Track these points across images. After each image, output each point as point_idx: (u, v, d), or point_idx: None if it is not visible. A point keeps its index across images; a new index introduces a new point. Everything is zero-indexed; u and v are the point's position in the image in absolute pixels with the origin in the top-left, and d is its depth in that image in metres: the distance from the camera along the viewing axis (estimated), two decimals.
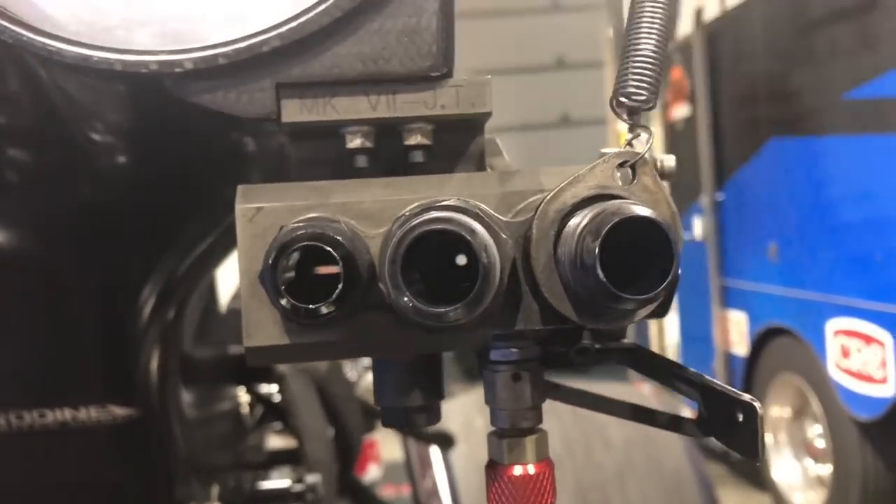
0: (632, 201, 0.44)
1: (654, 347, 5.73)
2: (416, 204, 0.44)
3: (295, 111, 0.46)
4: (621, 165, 0.47)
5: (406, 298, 0.40)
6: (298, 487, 0.74)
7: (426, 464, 1.18)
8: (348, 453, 0.87)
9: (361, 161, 0.48)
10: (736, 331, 4.54)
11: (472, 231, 0.41)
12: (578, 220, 0.44)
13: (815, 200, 3.79)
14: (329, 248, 0.39)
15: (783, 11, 3.96)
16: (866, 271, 3.47)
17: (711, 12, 4.57)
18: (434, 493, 1.17)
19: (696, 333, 4.97)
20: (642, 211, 0.42)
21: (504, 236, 0.44)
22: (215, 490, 0.68)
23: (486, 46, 9.44)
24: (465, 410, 2.16)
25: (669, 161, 0.51)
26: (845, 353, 3.60)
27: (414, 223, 0.41)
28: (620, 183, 0.47)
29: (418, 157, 0.49)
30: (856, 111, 3.47)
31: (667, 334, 5.58)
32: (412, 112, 0.48)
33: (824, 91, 3.69)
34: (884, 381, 3.36)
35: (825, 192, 3.72)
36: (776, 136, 4.06)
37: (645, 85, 0.48)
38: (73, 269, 0.61)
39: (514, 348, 0.51)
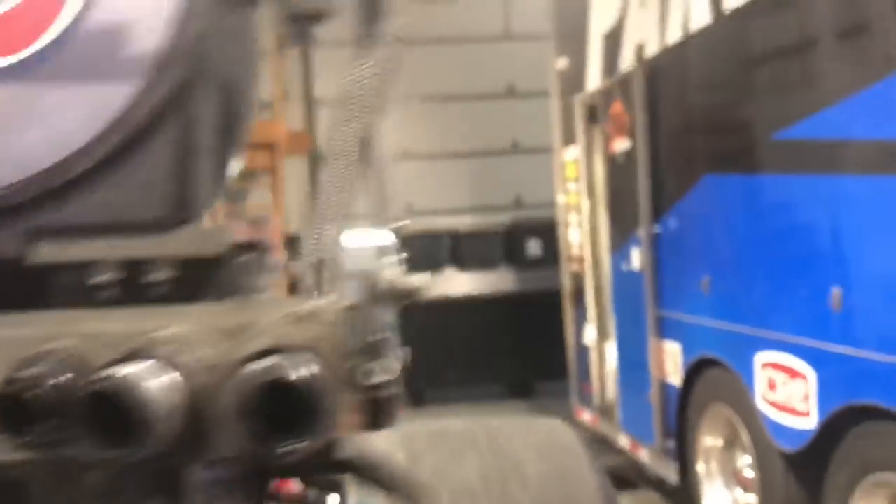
0: (294, 362, 0.49)
1: (594, 376, 5.81)
2: (117, 352, 0.49)
3: (46, 252, 0.50)
4: (303, 317, 0.52)
5: (79, 443, 0.45)
6: None
7: None
8: None
9: (108, 293, 0.52)
10: (671, 361, 4.63)
11: (132, 389, 0.45)
12: (245, 374, 0.48)
13: (746, 236, 3.90)
14: (30, 391, 0.43)
15: (718, 51, 4.08)
16: (792, 307, 3.58)
17: (652, 49, 4.70)
18: None
19: (634, 362, 5.05)
20: (293, 375, 0.47)
21: (187, 377, 0.48)
22: None
23: (441, 73, 9.54)
24: (386, 447, 2.18)
25: (412, 282, 0.55)
26: (772, 385, 3.70)
27: (93, 378, 0.45)
28: (299, 336, 0.52)
29: (162, 290, 0.53)
30: (783, 151, 3.59)
31: (606, 362, 5.66)
32: (154, 253, 0.53)
33: (755, 130, 3.81)
34: (806, 414, 3.46)
35: (754, 229, 3.83)
36: (710, 173, 4.17)
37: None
38: None
39: (218, 469, 0.56)
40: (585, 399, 6.03)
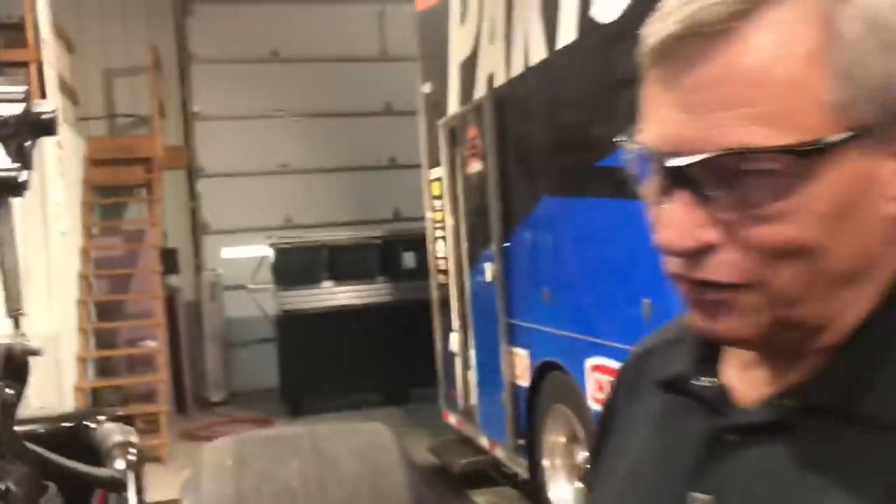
0: None
1: (459, 381, 6.17)
2: None
3: None
4: None
5: None
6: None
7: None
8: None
9: None
10: (520, 365, 5.03)
11: None
12: None
13: (576, 252, 4.33)
14: None
15: (551, 84, 4.50)
16: (613, 316, 4.01)
17: (500, 79, 5.09)
18: None
19: (490, 367, 5.43)
20: None
21: None
22: None
23: (320, 91, 9.78)
24: (217, 452, 2.43)
25: (29, 348, 0.81)
26: (599, 386, 4.12)
27: None
28: None
29: None
30: (604, 177, 4.02)
31: (469, 368, 6.02)
32: None
33: (582, 157, 4.24)
34: None
35: (583, 246, 4.26)
36: (547, 195, 4.59)
37: None
38: None
39: None
40: (451, 403, 6.38)
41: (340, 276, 8.42)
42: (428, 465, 6.12)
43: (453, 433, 6.41)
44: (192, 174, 9.67)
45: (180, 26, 9.70)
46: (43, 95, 6.42)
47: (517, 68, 4.86)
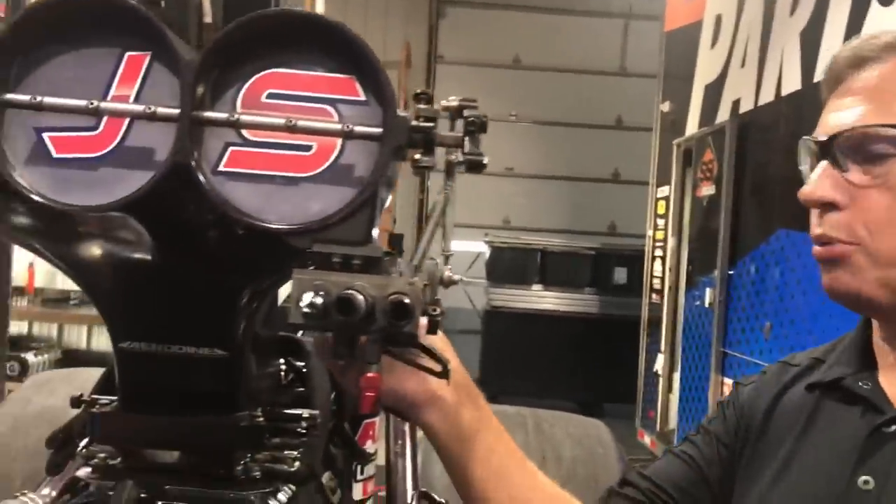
0: None
1: (659, 403, 6.15)
2: None
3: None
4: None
5: None
6: (306, 414, 1.27)
7: (398, 432, 1.71)
8: (341, 410, 1.39)
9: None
10: None
11: None
12: None
13: (806, 291, 4.22)
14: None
15: (803, 116, 4.41)
16: None
17: (746, 105, 5.04)
18: (400, 454, 1.70)
19: (695, 394, 5.39)
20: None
21: None
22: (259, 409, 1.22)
23: (555, 100, 10.00)
24: None
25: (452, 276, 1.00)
26: None
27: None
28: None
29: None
30: None
31: (672, 391, 5.99)
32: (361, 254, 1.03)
33: None
34: None
35: (814, 285, 4.14)
36: (783, 228, 4.49)
37: None
38: (210, 281, 1.16)
39: None
40: (648, 424, 6.37)
41: (550, 282, 8.59)
42: None
43: (646, 453, 6.39)
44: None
45: (433, 27, 10.30)
46: None
47: (767, 96, 4.79)
